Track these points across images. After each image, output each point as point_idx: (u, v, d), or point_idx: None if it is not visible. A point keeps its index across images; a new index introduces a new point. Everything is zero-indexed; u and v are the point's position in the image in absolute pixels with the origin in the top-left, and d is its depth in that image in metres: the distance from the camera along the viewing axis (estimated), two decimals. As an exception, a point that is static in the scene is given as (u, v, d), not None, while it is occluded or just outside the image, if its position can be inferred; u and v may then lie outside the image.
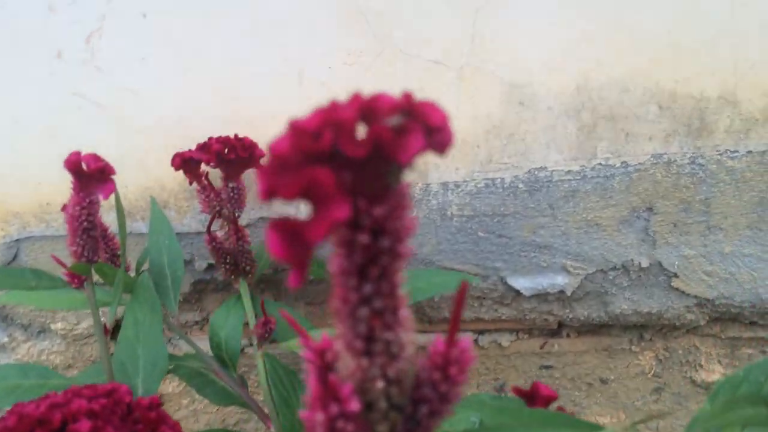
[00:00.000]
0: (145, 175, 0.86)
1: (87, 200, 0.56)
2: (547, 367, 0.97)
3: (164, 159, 0.82)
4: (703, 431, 0.37)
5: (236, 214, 0.76)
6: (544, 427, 0.29)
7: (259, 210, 0.86)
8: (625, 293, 0.88)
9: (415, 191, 0.83)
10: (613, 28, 0.75)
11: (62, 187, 0.85)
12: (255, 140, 0.76)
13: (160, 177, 0.86)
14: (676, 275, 0.85)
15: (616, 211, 0.83)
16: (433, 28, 0.77)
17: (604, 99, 0.78)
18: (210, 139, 0.73)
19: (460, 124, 0.80)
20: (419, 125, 0.22)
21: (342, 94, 0.22)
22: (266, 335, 0.70)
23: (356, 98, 0.22)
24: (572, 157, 0.81)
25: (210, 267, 0.91)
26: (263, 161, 0.76)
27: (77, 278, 0.60)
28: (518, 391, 0.45)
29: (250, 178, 0.83)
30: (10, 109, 0.83)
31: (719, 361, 0.95)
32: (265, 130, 0.81)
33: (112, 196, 0.60)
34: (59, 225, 0.89)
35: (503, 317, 0.93)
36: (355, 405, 0.24)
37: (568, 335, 0.96)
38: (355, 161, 0.21)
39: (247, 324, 0.79)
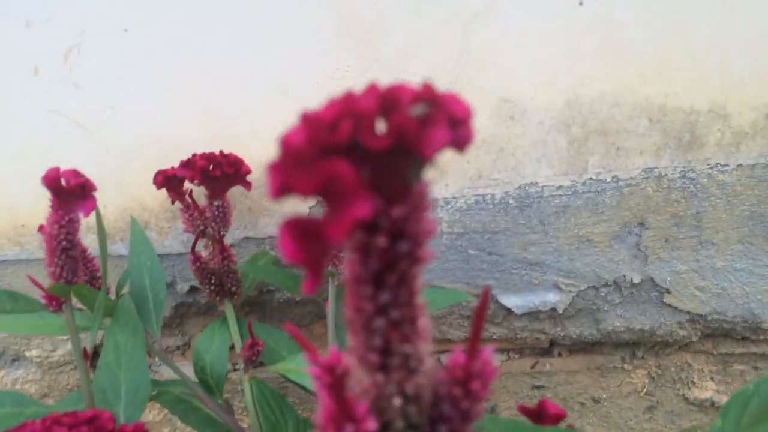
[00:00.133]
0: (124, 195, 0.83)
1: (66, 218, 0.54)
2: (538, 387, 0.95)
3: (145, 178, 0.79)
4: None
5: (221, 233, 0.73)
6: None
7: (243, 230, 0.84)
8: (617, 310, 0.87)
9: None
10: (602, 42, 0.74)
11: (38, 208, 0.82)
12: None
13: (140, 197, 0.83)
14: (668, 291, 0.84)
15: (608, 227, 0.82)
16: (421, 43, 0.75)
17: (594, 113, 0.77)
18: (194, 155, 0.71)
19: (449, 140, 0.78)
20: (444, 116, 0.20)
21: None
22: (254, 358, 0.67)
23: (373, 88, 0.20)
24: (563, 172, 0.80)
25: (192, 290, 0.88)
26: (249, 178, 0.74)
27: (55, 301, 0.57)
28: (524, 410, 0.43)
29: (234, 196, 0.81)
30: (-17, 127, 0.81)
31: (712, 378, 0.94)
32: (250, 148, 0.79)
33: (91, 216, 0.57)
34: (35, 248, 0.86)
35: (494, 336, 0.91)
36: (371, 425, 0.22)
37: (559, 354, 0.94)
38: (375, 155, 0.19)
39: (232, 347, 0.76)
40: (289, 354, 0.71)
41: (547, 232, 0.82)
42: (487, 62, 0.76)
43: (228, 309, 0.74)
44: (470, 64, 0.76)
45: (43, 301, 0.57)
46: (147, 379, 0.59)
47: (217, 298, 0.74)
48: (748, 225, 0.81)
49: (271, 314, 0.91)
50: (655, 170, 0.79)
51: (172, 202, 0.75)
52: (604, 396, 0.95)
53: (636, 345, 0.92)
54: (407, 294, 0.22)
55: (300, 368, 0.62)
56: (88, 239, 0.82)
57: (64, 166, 0.57)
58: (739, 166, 0.79)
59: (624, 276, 0.84)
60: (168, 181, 0.71)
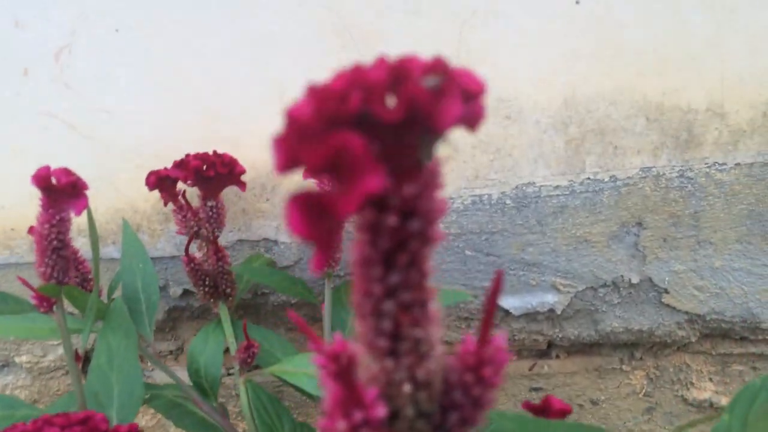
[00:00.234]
0: (116, 196, 0.82)
1: (57, 217, 0.53)
2: (536, 389, 0.95)
3: (137, 179, 0.78)
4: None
5: (216, 234, 0.72)
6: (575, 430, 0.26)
7: (237, 232, 0.83)
8: (615, 311, 0.86)
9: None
10: (600, 40, 0.74)
11: (28, 210, 0.81)
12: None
13: (132, 199, 0.82)
14: (666, 291, 0.84)
15: (606, 227, 0.81)
16: (418, 43, 0.75)
17: (591, 112, 0.77)
18: (187, 155, 0.70)
19: (445, 140, 0.78)
20: (457, 89, 0.19)
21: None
22: (249, 360, 0.66)
23: (382, 60, 0.20)
24: (560, 172, 0.79)
25: (185, 293, 0.87)
26: (244, 178, 0.73)
27: (46, 301, 0.56)
28: (529, 406, 0.42)
29: (228, 198, 0.80)
30: (-28, 129, 0.79)
31: (710, 379, 0.93)
32: (245, 150, 0.78)
33: (82, 219, 0.56)
34: (24, 251, 0.84)
35: (491, 339, 0.90)
36: (381, 411, 0.21)
37: (557, 356, 0.93)
38: (386, 129, 0.19)
39: (226, 351, 0.75)
40: (285, 356, 0.70)
41: (545, 233, 0.82)
42: (485, 62, 0.75)
43: (222, 311, 0.72)
44: (467, 63, 0.75)
45: (34, 302, 0.56)
46: (140, 382, 0.58)
47: (212, 300, 0.72)
48: (746, 224, 0.80)
49: (265, 317, 0.90)
50: (653, 169, 0.79)
51: (165, 204, 0.74)
52: (603, 397, 0.95)
53: (634, 346, 0.91)
54: (418, 275, 0.21)
55: (296, 370, 0.61)
56: (79, 242, 0.81)
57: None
58: (737, 164, 0.78)
59: (622, 276, 0.83)
60: (161, 181, 0.70)
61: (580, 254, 0.82)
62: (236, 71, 0.76)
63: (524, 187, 0.80)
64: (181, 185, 0.73)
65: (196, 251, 0.74)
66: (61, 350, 0.89)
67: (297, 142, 0.18)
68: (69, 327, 0.59)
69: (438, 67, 0.20)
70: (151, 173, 0.70)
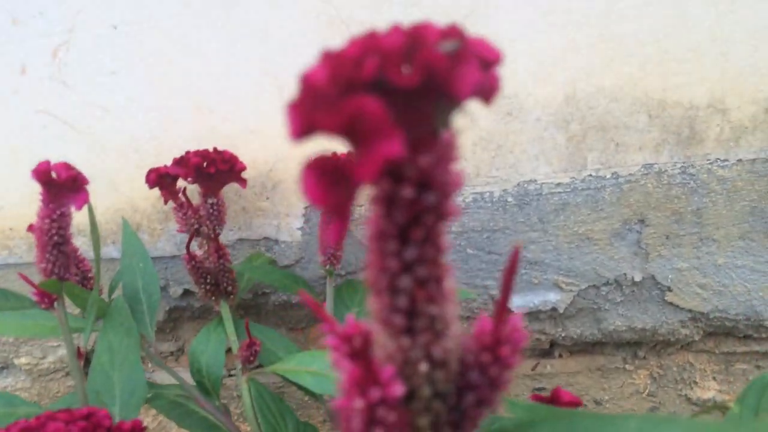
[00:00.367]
0: (115, 195, 0.81)
1: (58, 212, 0.52)
2: (539, 390, 0.94)
3: (136, 178, 0.78)
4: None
5: (216, 231, 0.71)
6: (572, 421, 0.25)
7: (238, 231, 0.82)
8: (618, 309, 0.85)
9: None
10: (600, 36, 0.74)
11: (27, 210, 0.80)
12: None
13: (131, 198, 0.82)
14: (669, 289, 0.83)
15: (608, 224, 0.81)
16: (417, 39, 0.74)
17: (592, 109, 0.77)
18: (188, 152, 0.70)
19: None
20: (473, 55, 0.19)
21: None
22: (251, 358, 0.65)
23: (397, 27, 0.19)
24: (562, 169, 0.79)
25: (186, 293, 0.86)
26: (244, 175, 0.73)
27: (47, 297, 0.55)
28: (538, 399, 0.42)
29: (228, 197, 0.80)
30: (-30, 128, 0.79)
31: (714, 378, 0.92)
32: (244, 147, 0.77)
33: (80, 218, 0.56)
34: (23, 251, 0.83)
35: (494, 338, 0.89)
36: (398, 389, 0.20)
37: (560, 355, 0.93)
38: (402, 95, 0.18)
39: (228, 351, 0.75)
40: (287, 354, 0.69)
41: (547, 230, 0.81)
42: (485, 57, 0.75)
43: (224, 309, 0.72)
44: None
45: (35, 299, 0.55)
46: (142, 381, 0.57)
47: (213, 299, 0.72)
48: (748, 221, 0.80)
49: (266, 317, 0.89)
50: (655, 166, 0.78)
51: (165, 202, 0.73)
52: (606, 397, 0.94)
53: (637, 345, 0.91)
54: (433, 251, 0.20)
55: (298, 368, 0.61)
56: (78, 242, 0.80)
57: (53, 167, 0.55)
58: (739, 161, 0.78)
59: (625, 274, 0.83)
60: (161, 179, 0.70)
61: (583, 252, 0.82)
62: (233, 67, 0.76)
63: (526, 185, 0.80)
64: (181, 183, 0.72)
65: (197, 249, 0.74)
66: (60, 352, 0.88)
67: (312, 108, 0.18)
68: (70, 325, 0.58)
69: (454, 33, 0.19)
70: (151, 171, 0.70)
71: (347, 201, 0.17)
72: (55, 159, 0.77)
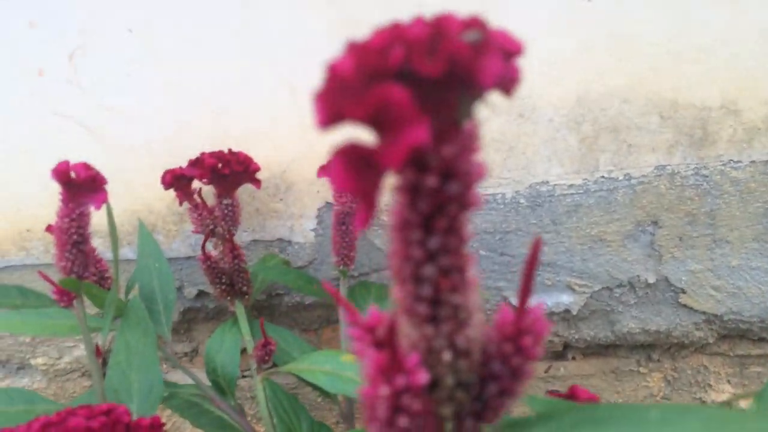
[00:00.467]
0: (131, 197, 0.82)
1: (77, 212, 0.53)
2: (553, 393, 0.94)
3: (152, 180, 0.79)
4: None
5: (231, 232, 0.72)
6: (594, 410, 0.25)
7: (252, 232, 0.83)
8: (631, 311, 0.85)
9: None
10: (612, 37, 0.74)
11: (44, 211, 0.81)
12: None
13: (147, 199, 0.82)
14: (683, 291, 0.83)
15: (621, 226, 0.81)
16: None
17: (605, 110, 0.77)
18: (203, 153, 0.70)
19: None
20: (496, 46, 0.19)
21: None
22: (266, 358, 0.66)
23: (419, 19, 0.20)
24: (574, 170, 0.79)
25: (200, 294, 0.87)
26: (258, 176, 0.73)
27: (67, 296, 0.56)
28: (555, 395, 0.42)
29: (242, 198, 0.80)
30: (-13, 130, 0.80)
31: (728, 381, 0.92)
32: (258, 149, 0.78)
33: (96, 219, 0.56)
34: (40, 252, 0.84)
35: (506, 340, 0.89)
36: (423, 377, 0.20)
37: (573, 358, 0.93)
38: (426, 84, 0.18)
39: (243, 351, 0.75)
40: (301, 355, 0.69)
41: (559, 232, 0.81)
42: (498, 59, 0.75)
43: (239, 309, 0.72)
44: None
45: (54, 297, 0.55)
46: (159, 379, 0.57)
47: (228, 299, 0.72)
48: (762, 222, 0.80)
49: (279, 318, 0.89)
50: (668, 167, 0.78)
51: (180, 203, 0.74)
52: (620, 400, 0.94)
53: (651, 347, 0.90)
54: (457, 240, 0.21)
55: (313, 368, 0.61)
56: (94, 243, 0.81)
57: (70, 168, 0.56)
58: (752, 162, 0.78)
59: (638, 276, 0.83)
60: (176, 180, 0.70)
61: (596, 254, 0.82)
62: (247, 70, 0.76)
63: (538, 186, 0.80)
64: (196, 184, 0.73)
65: (212, 249, 0.74)
66: (76, 352, 0.89)
67: (339, 97, 0.18)
68: (89, 325, 0.59)
69: (476, 24, 0.20)
70: (166, 172, 0.70)
71: (375, 188, 0.18)
72: (71, 161, 0.78)
